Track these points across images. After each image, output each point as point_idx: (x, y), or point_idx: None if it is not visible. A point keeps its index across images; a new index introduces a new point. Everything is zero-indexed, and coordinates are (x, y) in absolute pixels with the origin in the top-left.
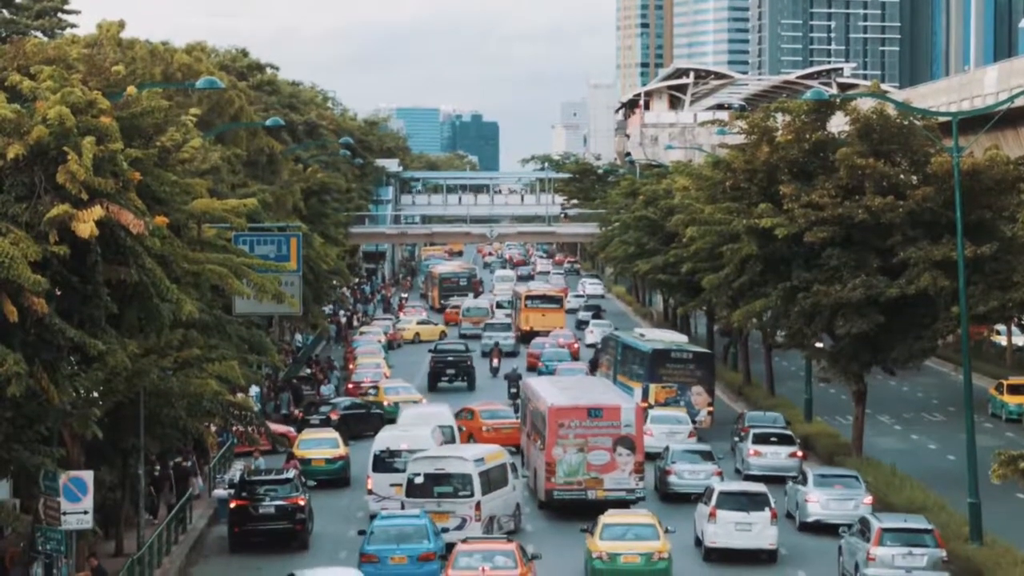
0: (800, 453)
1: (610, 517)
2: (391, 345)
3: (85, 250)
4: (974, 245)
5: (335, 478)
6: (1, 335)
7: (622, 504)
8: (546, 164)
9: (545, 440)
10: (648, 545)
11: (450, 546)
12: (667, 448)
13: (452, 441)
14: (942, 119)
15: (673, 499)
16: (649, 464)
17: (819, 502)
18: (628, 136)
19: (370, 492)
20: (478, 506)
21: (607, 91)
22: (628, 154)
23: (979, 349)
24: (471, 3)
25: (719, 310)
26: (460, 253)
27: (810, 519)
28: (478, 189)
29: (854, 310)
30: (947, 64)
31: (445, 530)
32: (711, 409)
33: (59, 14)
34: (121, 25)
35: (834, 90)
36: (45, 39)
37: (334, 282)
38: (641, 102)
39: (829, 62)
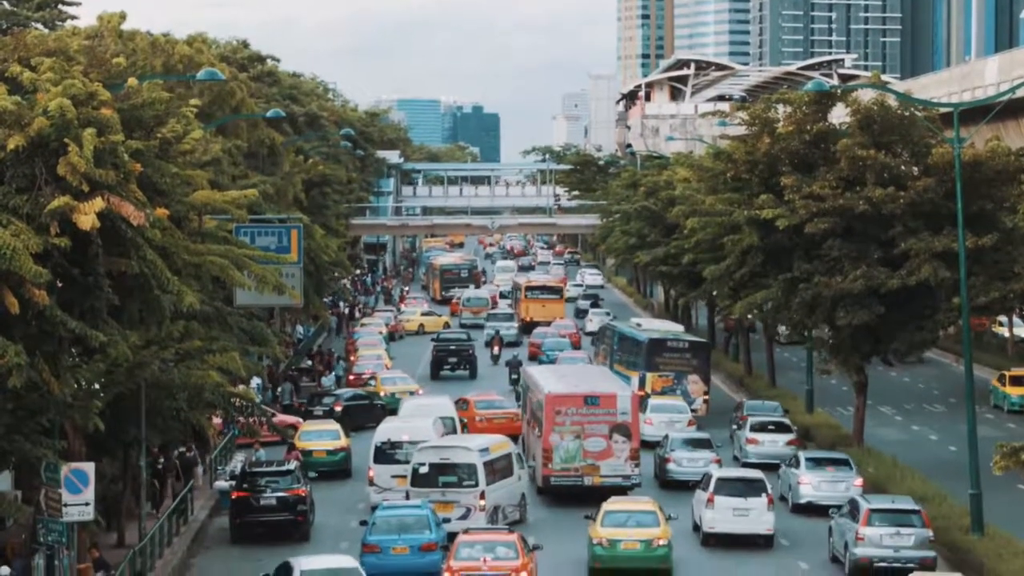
0: (797, 441)
1: (612, 504)
2: (392, 336)
3: (86, 242)
4: (975, 236)
5: (336, 469)
6: (2, 327)
7: (619, 490)
8: (547, 155)
9: (542, 427)
10: (648, 532)
11: (453, 536)
12: (666, 436)
13: (453, 432)
14: (943, 110)
15: (672, 486)
16: (649, 452)
17: (811, 484)
18: (629, 127)
19: (371, 483)
20: (482, 496)
21: (608, 82)
22: (629, 145)
23: (980, 340)
24: None
25: (720, 301)
26: (461, 244)
27: (802, 501)
28: (479, 180)
29: (855, 301)
30: (948, 55)
31: (447, 520)
32: (707, 397)
33: (60, 6)
34: (122, 17)
35: (835, 81)
36: (46, 31)
37: (335, 274)
38: (642, 93)
39: (830, 53)
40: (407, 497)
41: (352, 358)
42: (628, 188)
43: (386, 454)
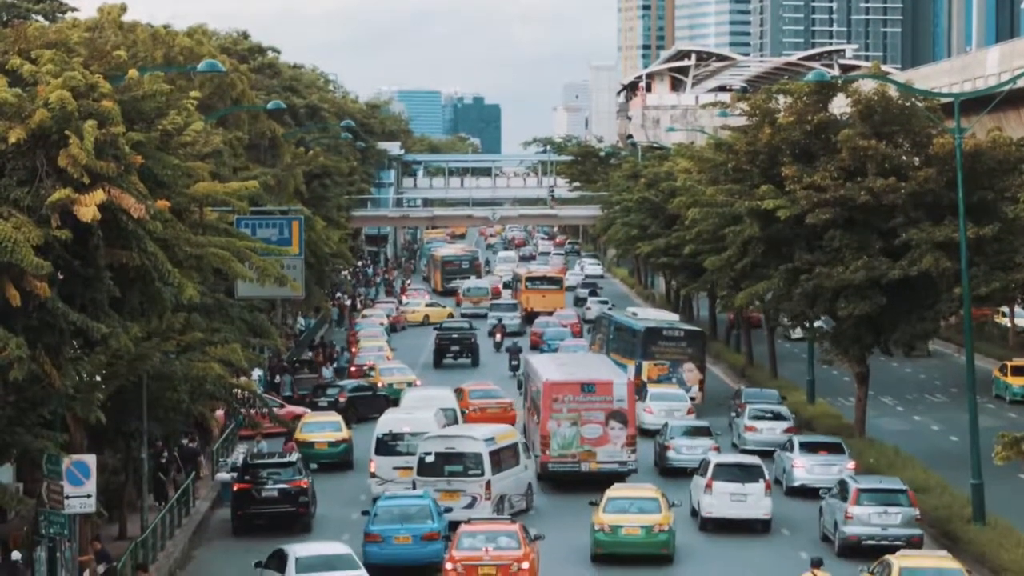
0: (795, 429)
1: (615, 491)
2: (394, 328)
3: (87, 234)
4: (976, 226)
5: (338, 461)
6: (4, 319)
7: (616, 476)
8: (548, 146)
9: (540, 415)
10: (650, 518)
11: (455, 525)
12: (666, 424)
13: (455, 424)
14: (944, 100)
15: (671, 473)
16: (649, 440)
17: (805, 467)
18: (630, 118)
19: (373, 475)
20: (488, 485)
21: (609, 73)
22: (630, 136)
23: (982, 330)
24: None
25: (720, 292)
26: (463, 236)
27: (796, 484)
28: (480, 172)
29: (856, 292)
30: (949, 45)
31: (449, 510)
32: (702, 385)
33: None
34: (122, 8)
35: (836, 72)
36: (46, 23)
37: (337, 266)
38: (643, 84)
39: (831, 44)
40: (414, 486)
41: (353, 349)
42: (629, 179)
43: (388, 446)
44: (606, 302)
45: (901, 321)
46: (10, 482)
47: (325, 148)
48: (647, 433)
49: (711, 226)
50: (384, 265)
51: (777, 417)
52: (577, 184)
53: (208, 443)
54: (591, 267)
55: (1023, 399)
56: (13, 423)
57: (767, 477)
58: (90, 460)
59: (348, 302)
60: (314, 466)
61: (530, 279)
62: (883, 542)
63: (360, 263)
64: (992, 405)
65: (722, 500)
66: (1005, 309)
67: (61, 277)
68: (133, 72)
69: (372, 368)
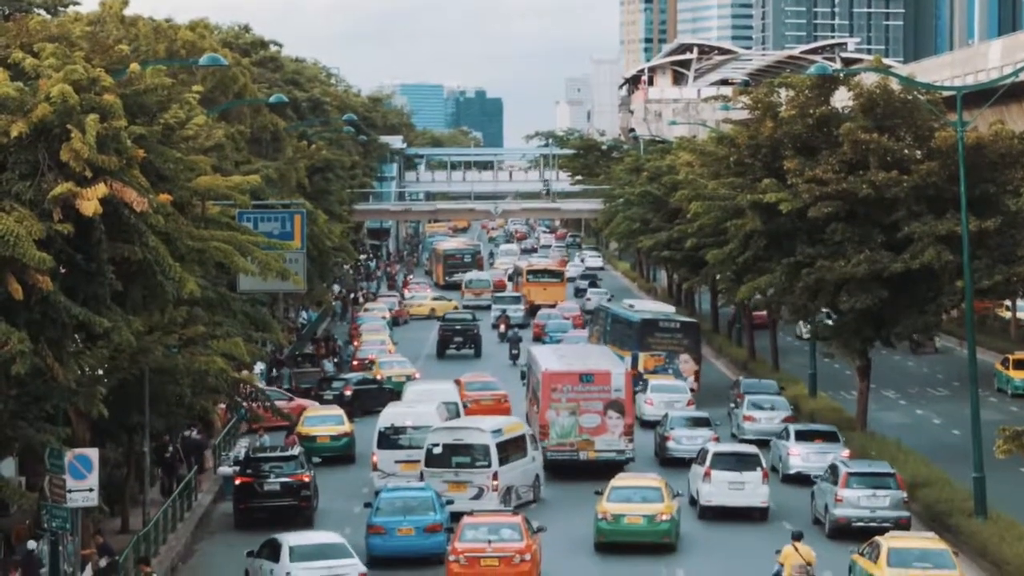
0: (793, 418)
1: (619, 480)
2: (396, 322)
3: (89, 228)
4: (978, 219)
5: (340, 455)
6: (6, 313)
7: (614, 465)
8: (550, 140)
9: (540, 404)
10: (652, 507)
11: (458, 517)
12: (666, 415)
13: (457, 417)
14: (946, 93)
15: (671, 463)
16: (649, 431)
17: (800, 455)
18: (632, 112)
19: (375, 469)
20: (495, 476)
21: (611, 67)
22: (632, 130)
23: (984, 324)
24: None
25: (722, 285)
26: (464, 229)
27: (792, 471)
28: (482, 165)
29: (858, 285)
30: (951, 38)
31: (451, 502)
32: (698, 376)
33: None
34: (124, 2)
35: (838, 65)
36: (48, 17)
37: (339, 260)
38: (645, 78)
39: (833, 37)
40: (421, 477)
41: (356, 343)
42: (631, 173)
43: (390, 439)
44: (606, 293)
45: (903, 315)
46: (12, 476)
47: (327, 142)
48: (648, 424)
49: (713, 220)
50: (386, 259)
51: (776, 407)
52: (579, 178)
53: (211, 437)
54: (591, 259)
55: None
56: (15, 417)
57: (764, 466)
58: (92, 454)
59: (351, 296)
60: (316, 460)
61: (531, 272)
62: (872, 524)
63: (362, 257)
64: (994, 399)
65: (720, 488)
66: (1008, 302)
67: (63, 271)
68: (135, 66)
69: (372, 362)
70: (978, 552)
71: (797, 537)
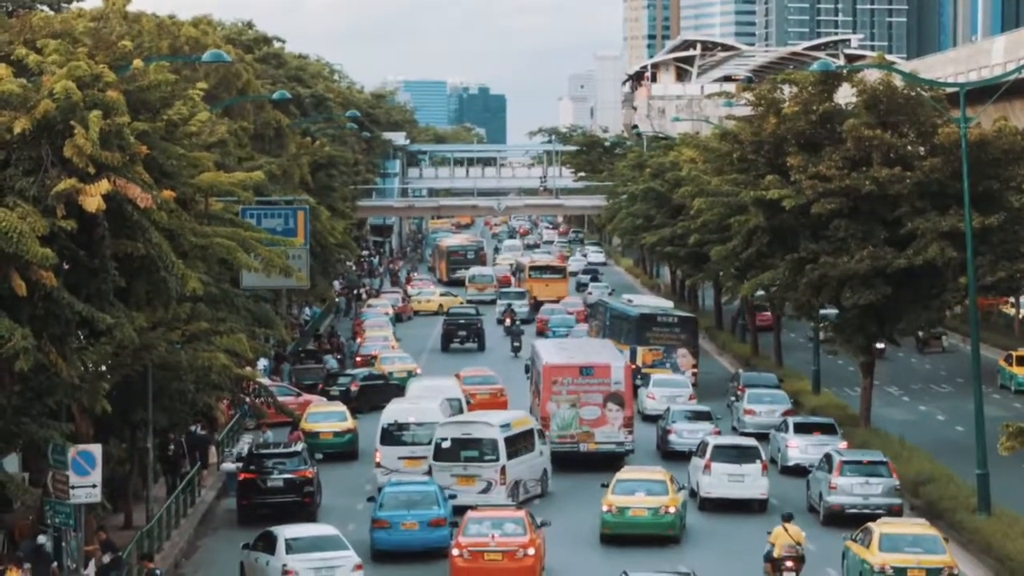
0: (792, 411)
1: (625, 473)
2: (399, 318)
3: (92, 224)
4: (982, 216)
5: (343, 451)
6: (10, 309)
7: (613, 457)
8: (553, 137)
9: (541, 396)
10: (657, 500)
11: (460, 510)
12: (668, 409)
13: (460, 413)
14: (949, 90)
15: (673, 456)
16: (651, 425)
17: (798, 447)
18: (635, 108)
19: (378, 465)
20: (503, 470)
21: (614, 63)
22: (635, 126)
23: (988, 320)
24: None
25: (726, 281)
26: (468, 226)
27: (790, 463)
28: (486, 162)
29: (861, 281)
30: (955, 35)
31: (454, 496)
32: (695, 370)
33: None
34: None
35: (841, 61)
36: (51, 13)
37: (341, 256)
38: (648, 74)
39: (836, 33)
40: (430, 471)
41: (359, 339)
42: (634, 169)
43: (393, 436)
44: (607, 288)
45: (906, 311)
46: (16, 472)
47: (330, 138)
48: (649, 418)
49: (716, 216)
50: (389, 256)
51: (776, 400)
52: (582, 174)
53: (215, 432)
54: (594, 255)
55: None
56: (19, 413)
57: (763, 458)
58: (96, 450)
59: (354, 292)
60: (319, 456)
61: (533, 268)
62: (865, 511)
63: (365, 253)
64: (997, 395)
65: (720, 480)
66: (1012, 299)
67: (67, 267)
68: (138, 62)
69: (374, 357)
70: (982, 548)
71: (787, 518)
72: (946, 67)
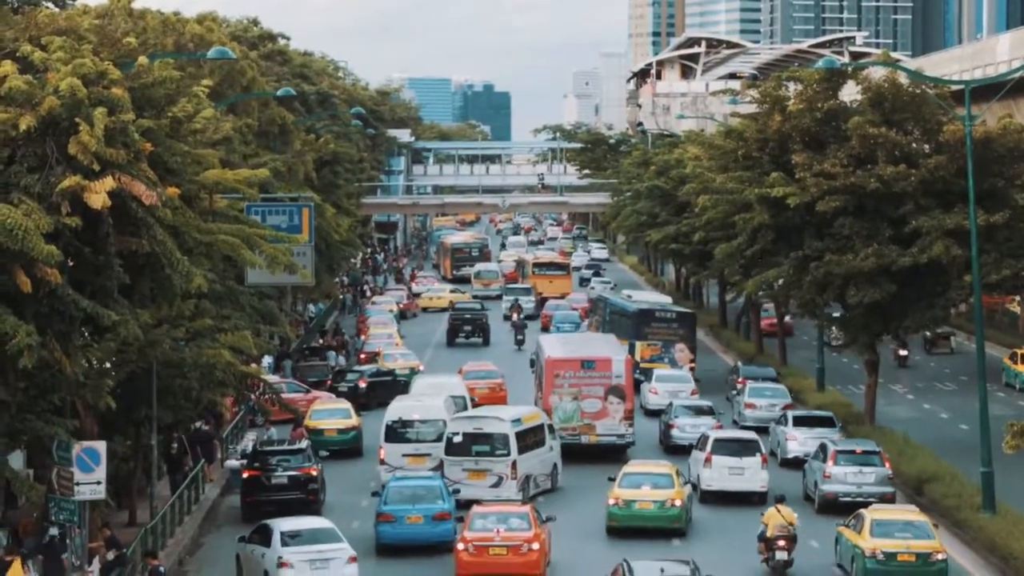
0: (792, 405)
1: (631, 467)
2: (404, 315)
3: (97, 221)
4: (987, 213)
5: (347, 448)
6: (14, 306)
7: (614, 449)
8: (558, 134)
9: (543, 389)
10: (663, 493)
11: (463, 505)
12: (670, 404)
13: (464, 410)
14: (954, 87)
15: (675, 450)
16: (654, 420)
17: (798, 440)
18: (640, 106)
19: (382, 462)
20: (514, 465)
21: (619, 60)
22: (640, 124)
23: (992, 318)
24: None
25: (733, 277)
26: (472, 223)
27: (790, 455)
28: (490, 159)
29: (866, 279)
30: (960, 32)
31: (457, 491)
32: (693, 365)
33: None
34: None
35: (846, 59)
36: (56, 10)
37: (346, 254)
38: (653, 71)
39: (841, 31)
40: (441, 465)
41: (364, 336)
42: (639, 166)
43: (397, 433)
44: (610, 283)
45: (911, 309)
46: (21, 468)
47: (335, 135)
48: (652, 413)
49: (721, 213)
50: (393, 253)
51: (776, 395)
52: (587, 171)
53: (220, 428)
54: (597, 251)
55: None
56: (23, 410)
57: (763, 451)
58: (100, 447)
59: (359, 289)
60: (324, 453)
61: (537, 265)
62: (858, 499)
63: (369, 250)
64: (1002, 393)
65: (721, 473)
66: (1017, 297)
67: (71, 264)
68: (143, 59)
69: (377, 354)
70: (986, 547)
71: (780, 500)
72: (951, 65)
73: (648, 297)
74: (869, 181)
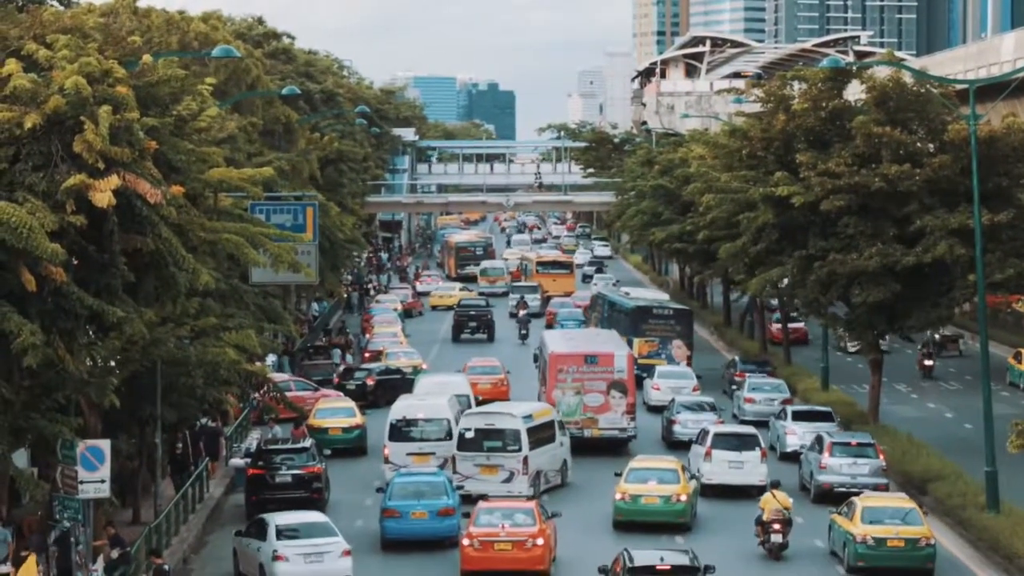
0: (791, 400)
1: (638, 462)
2: (408, 314)
3: (102, 219)
4: (991, 213)
5: (352, 447)
6: (19, 304)
7: (616, 442)
8: (562, 133)
9: (547, 384)
10: (668, 488)
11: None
12: (672, 400)
13: (468, 409)
14: (959, 87)
15: (677, 445)
16: (657, 415)
17: (797, 434)
18: (644, 105)
19: (386, 461)
20: (525, 460)
21: (623, 59)
22: (644, 123)
23: (996, 318)
24: None
25: (737, 275)
26: (477, 222)
27: (789, 449)
28: (495, 158)
29: (870, 279)
30: (964, 31)
31: (461, 487)
32: (690, 361)
33: None
34: None
35: (851, 58)
36: (61, 8)
37: (353, 253)
38: (657, 70)
39: (846, 30)
40: (453, 461)
41: (368, 334)
42: (643, 165)
43: (401, 432)
44: (612, 279)
45: (915, 308)
46: (25, 467)
47: (339, 134)
48: (655, 409)
49: (725, 213)
50: (398, 252)
51: (775, 389)
52: (591, 170)
53: (226, 425)
54: (600, 249)
55: None
56: (28, 408)
57: (762, 445)
58: (104, 445)
59: (364, 287)
60: (328, 452)
61: (541, 264)
62: (853, 489)
63: (373, 249)
64: (1006, 392)
65: (721, 467)
66: (1022, 297)
67: (76, 262)
68: (148, 58)
69: (381, 352)
70: (990, 546)
71: (775, 485)
72: (955, 64)
73: (646, 294)
74: (873, 180)
